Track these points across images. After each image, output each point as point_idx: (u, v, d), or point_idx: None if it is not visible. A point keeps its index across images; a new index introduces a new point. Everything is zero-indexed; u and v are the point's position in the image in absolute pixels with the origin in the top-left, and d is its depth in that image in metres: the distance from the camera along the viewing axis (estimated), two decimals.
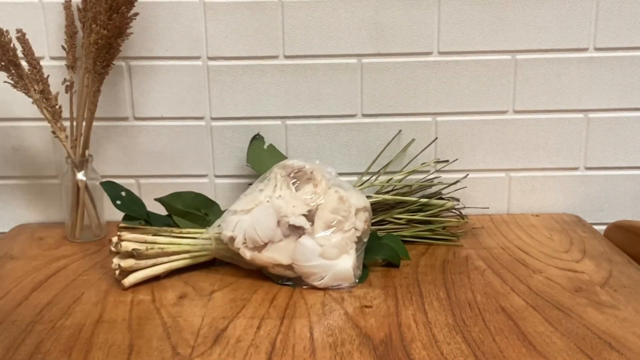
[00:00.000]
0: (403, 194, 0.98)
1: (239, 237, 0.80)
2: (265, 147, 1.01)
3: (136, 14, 0.94)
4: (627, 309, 0.72)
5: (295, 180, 0.84)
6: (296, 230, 0.80)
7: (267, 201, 0.81)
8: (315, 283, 0.78)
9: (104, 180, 0.93)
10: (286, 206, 0.80)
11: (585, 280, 0.80)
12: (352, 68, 1.02)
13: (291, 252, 0.79)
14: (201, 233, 0.85)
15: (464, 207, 1.02)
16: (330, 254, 0.79)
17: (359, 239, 0.82)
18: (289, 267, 0.79)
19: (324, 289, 0.78)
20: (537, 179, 1.07)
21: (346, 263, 0.79)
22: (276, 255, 0.79)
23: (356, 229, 0.81)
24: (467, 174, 1.05)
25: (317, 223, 0.80)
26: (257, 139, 1.02)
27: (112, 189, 0.91)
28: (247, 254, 0.80)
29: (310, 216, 0.81)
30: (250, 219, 0.80)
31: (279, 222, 0.80)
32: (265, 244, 0.80)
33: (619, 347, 0.63)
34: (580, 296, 0.75)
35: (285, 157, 1.00)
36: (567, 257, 0.88)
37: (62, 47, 0.96)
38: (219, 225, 0.82)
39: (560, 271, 0.83)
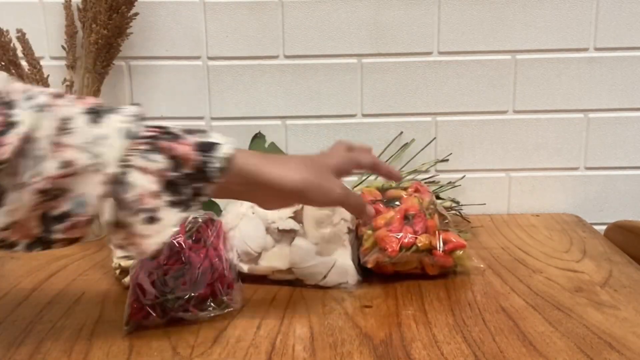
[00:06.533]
0: None
1: (232, 254, 0.79)
2: (266, 145, 1.01)
3: (136, 14, 0.94)
4: (627, 309, 0.72)
5: None
6: (287, 234, 0.80)
7: (252, 213, 0.81)
8: (321, 283, 0.78)
9: None
10: (271, 213, 0.80)
11: (585, 280, 0.80)
12: (352, 68, 1.02)
13: (287, 256, 0.78)
14: None
15: (464, 206, 1.01)
16: (327, 250, 0.78)
17: (349, 229, 0.82)
18: (289, 271, 0.78)
19: (324, 289, 0.78)
20: (537, 179, 1.07)
21: (345, 257, 0.78)
22: (273, 262, 0.79)
23: (345, 220, 0.81)
24: (464, 175, 1.05)
25: (306, 222, 0.80)
26: (258, 137, 1.02)
27: None
28: (245, 268, 0.79)
29: (297, 217, 0.80)
30: (239, 234, 0.80)
31: (267, 229, 0.80)
32: (259, 254, 0.79)
33: (619, 347, 0.63)
34: (580, 296, 0.75)
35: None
36: (567, 257, 0.88)
37: (62, 47, 0.96)
38: None
39: (560, 271, 0.83)
